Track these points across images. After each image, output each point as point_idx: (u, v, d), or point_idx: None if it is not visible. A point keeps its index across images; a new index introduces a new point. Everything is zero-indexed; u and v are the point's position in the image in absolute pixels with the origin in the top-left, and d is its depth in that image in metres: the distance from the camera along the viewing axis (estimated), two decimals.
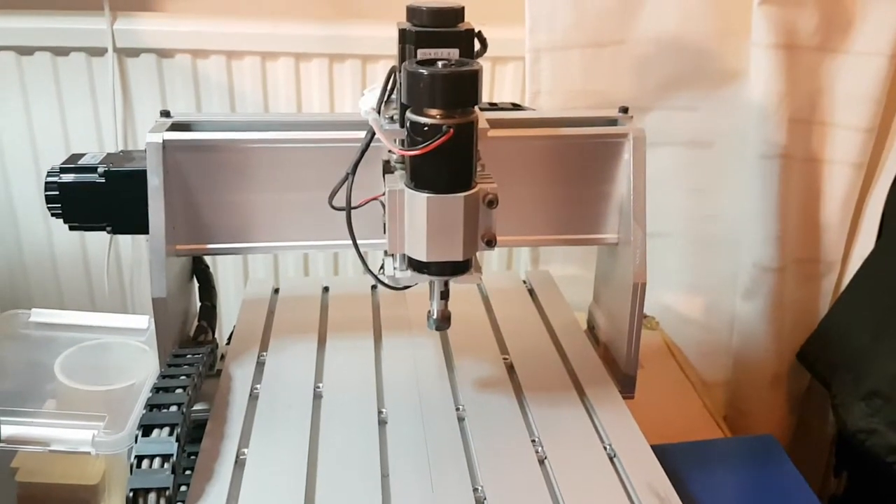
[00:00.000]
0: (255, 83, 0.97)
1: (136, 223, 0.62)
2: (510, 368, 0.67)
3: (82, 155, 0.66)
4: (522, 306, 0.77)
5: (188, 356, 0.62)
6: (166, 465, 0.50)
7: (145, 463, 0.50)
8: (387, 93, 0.56)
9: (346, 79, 0.97)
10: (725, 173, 0.96)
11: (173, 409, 0.54)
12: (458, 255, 0.54)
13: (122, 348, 0.76)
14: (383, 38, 0.96)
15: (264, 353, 0.67)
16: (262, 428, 0.58)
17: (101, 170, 0.63)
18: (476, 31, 0.54)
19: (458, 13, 0.54)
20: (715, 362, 1.02)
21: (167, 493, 0.48)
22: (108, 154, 0.66)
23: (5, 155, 0.99)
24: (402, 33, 0.53)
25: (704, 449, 0.69)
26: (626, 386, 0.67)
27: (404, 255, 0.58)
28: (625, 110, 0.67)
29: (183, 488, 0.52)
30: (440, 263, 0.54)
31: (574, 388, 0.64)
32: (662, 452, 0.57)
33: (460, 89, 0.50)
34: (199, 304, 0.72)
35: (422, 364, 0.67)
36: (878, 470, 0.79)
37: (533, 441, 0.57)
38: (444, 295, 0.59)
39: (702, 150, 0.96)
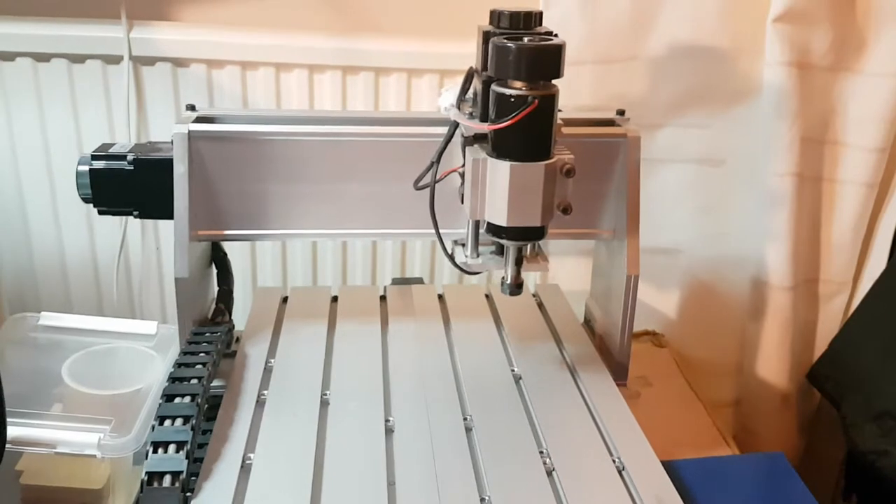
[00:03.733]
0: (269, 93, 0.97)
1: (161, 209, 0.67)
2: (518, 380, 0.67)
3: (112, 144, 0.70)
4: (531, 319, 0.77)
5: (207, 334, 0.67)
6: (187, 425, 0.54)
7: (167, 422, 0.54)
8: (465, 91, 0.62)
9: (358, 91, 0.98)
10: (736, 191, 0.96)
11: (194, 381, 0.59)
12: (536, 221, 0.57)
13: (130, 353, 0.76)
14: (396, 51, 0.96)
15: (272, 360, 0.67)
16: (269, 434, 0.58)
17: (130, 158, 0.67)
18: (553, 33, 0.58)
19: (536, 16, 0.59)
20: (724, 381, 1.01)
21: (187, 446, 0.53)
22: (136, 144, 0.70)
23: (19, 160, 1.00)
24: (486, 34, 0.58)
25: (714, 465, 0.68)
26: (619, 374, 0.70)
27: (476, 242, 0.63)
28: (621, 113, 0.71)
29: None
30: (517, 229, 0.58)
31: (583, 401, 0.64)
32: (671, 467, 0.56)
33: (545, 62, 0.54)
34: (216, 288, 0.76)
35: (429, 373, 0.66)
36: (888, 491, 0.78)
37: (541, 452, 0.57)
38: (518, 261, 0.62)
39: (713, 167, 0.96)
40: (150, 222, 1.02)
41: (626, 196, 0.69)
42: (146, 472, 0.51)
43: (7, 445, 0.59)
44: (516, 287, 0.62)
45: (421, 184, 0.63)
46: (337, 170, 0.69)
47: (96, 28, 0.94)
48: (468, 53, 0.96)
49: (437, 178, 0.61)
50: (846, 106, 0.90)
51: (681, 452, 0.72)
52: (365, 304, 0.78)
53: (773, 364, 0.97)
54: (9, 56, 0.95)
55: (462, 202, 0.61)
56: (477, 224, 0.63)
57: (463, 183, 0.61)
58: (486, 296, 0.81)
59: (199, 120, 0.68)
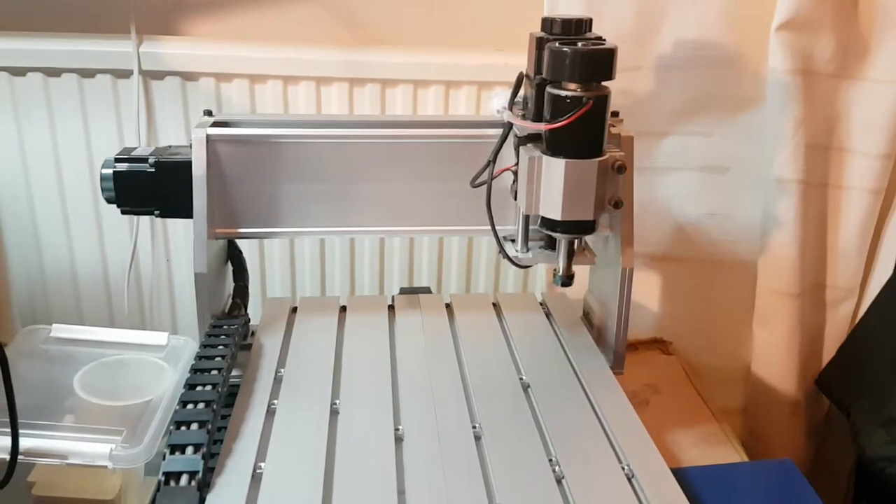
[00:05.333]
0: (277, 106, 0.98)
1: (180, 208, 0.70)
2: (526, 388, 0.67)
3: (134, 148, 0.73)
4: (539, 327, 0.77)
5: (225, 326, 0.70)
6: (209, 408, 0.58)
7: (190, 406, 0.58)
8: (515, 94, 0.66)
9: (365, 102, 0.98)
10: (742, 198, 0.96)
11: (214, 373, 0.62)
12: (589, 215, 0.61)
13: (141, 364, 0.76)
14: (402, 63, 0.97)
15: (282, 370, 0.68)
16: (280, 443, 0.58)
17: (151, 160, 0.70)
18: (602, 38, 0.61)
19: (586, 23, 0.63)
20: (732, 388, 1.01)
21: (208, 425, 0.56)
22: (157, 148, 0.73)
23: (30, 174, 1.01)
24: (539, 41, 0.62)
25: (723, 472, 0.68)
26: (617, 362, 0.72)
27: (526, 237, 0.68)
28: (615, 114, 0.74)
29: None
30: (570, 223, 0.61)
31: (591, 408, 0.64)
32: (681, 475, 0.56)
33: (599, 65, 0.58)
34: (233, 284, 0.79)
35: (438, 382, 0.67)
36: None
37: (550, 460, 0.57)
38: (570, 254, 0.65)
39: (718, 175, 0.96)
40: (160, 233, 1.03)
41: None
42: (174, 422, 0.56)
43: (19, 456, 0.60)
44: (568, 278, 0.66)
45: (478, 182, 0.67)
46: (347, 170, 0.72)
47: (106, 43, 0.95)
48: (473, 64, 0.97)
49: (495, 175, 0.65)
50: (850, 112, 0.90)
51: (690, 460, 0.72)
52: (373, 313, 0.78)
53: (781, 371, 0.97)
54: (20, 71, 0.96)
55: (514, 199, 0.66)
56: (527, 220, 0.67)
57: (515, 180, 0.65)
58: (494, 304, 0.81)
59: (215, 125, 0.71)
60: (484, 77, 0.98)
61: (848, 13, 0.87)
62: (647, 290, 1.01)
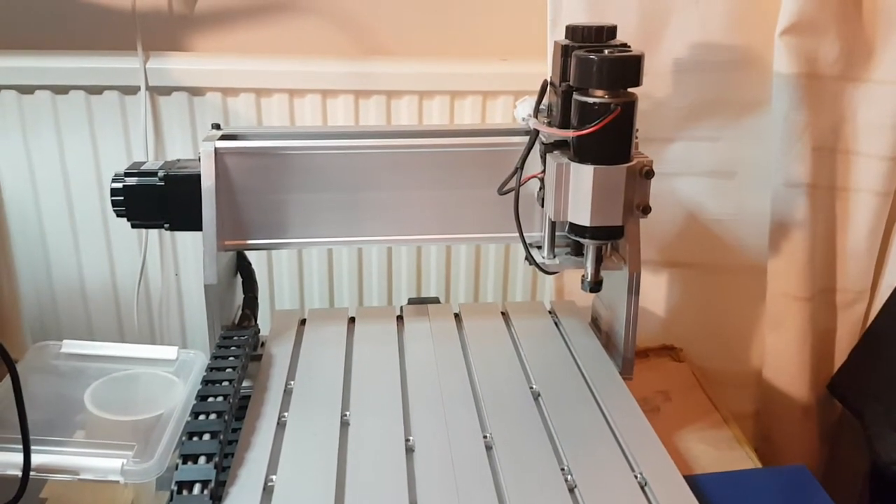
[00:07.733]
0: (283, 119, 0.99)
1: (190, 221, 0.71)
2: (537, 397, 0.67)
3: (143, 163, 0.74)
4: (548, 335, 0.77)
5: (235, 338, 0.71)
6: (220, 419, 0.59)
7: (202, 417, 0.59)
8: (540, 102, 0.67)
9: (370, 114, 0.99)
10: (750, 203, 0.96)
11: (226, 384, 0.63)
12: (618, 221, 0.61)
13: (151, 379, 0.77)
14: (407, 74, 0.98)
15: (292, 382, 0.68)
16: (290, 455, 0.58)
17: (160, 174, 0.71)
18: (627, 44, 0.61)
19: (610, 30, 0.63)
20: (744, 392, 1.01)
21: (220, 435, 0.57)
22: (166, 161, 0.74)
23: (39, 190, 1.01)
24: (564, 49, 0.62)
25: (736, 479, 0.68)
26: (626, 368, 0.72)
27: (552, 244, 0.68)
28: None
29: None
30: (598, 228, 0.61)
31: (602, 417, 0.64)
32: (694, 482, 0.56)
33: (626, 71, 0.58)
34: (242, 295, 0.81)
35: (448, 392, 0.67)
36: None
37: (562, 469, 0.57)
38: (598, 260, 0.66)
39: (725, 179, 0.96)
40: (169, 248, 1.03)
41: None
42: (187, 433, 0.57)
43: (31, 472, 0.60)
44: (596, 284, 0.67)
45: (506, 189, 0.67)
46: (354, 180, 0.73)
47: (113, 60, 0.96)
48: (477, 74, 0.98)
49: (523, 181, 0.66)
50: (856, 114, 0.90)
51: (702, 466, 0.72)
52: (382, 324, 0.78)
53: (792, 375, 0.96)
54: (28, 89, 0.97)
55: (541, 206, 0.66)
56: (553, 226, 0.67)
57: (541, 188, 0.66)
58: (503, 313, 0.81)
59: (223, 138, 0.72)
60: (489, 87, 0.98)
61: (852, 15, 0.87)
62: (656, 296, 1.00)
